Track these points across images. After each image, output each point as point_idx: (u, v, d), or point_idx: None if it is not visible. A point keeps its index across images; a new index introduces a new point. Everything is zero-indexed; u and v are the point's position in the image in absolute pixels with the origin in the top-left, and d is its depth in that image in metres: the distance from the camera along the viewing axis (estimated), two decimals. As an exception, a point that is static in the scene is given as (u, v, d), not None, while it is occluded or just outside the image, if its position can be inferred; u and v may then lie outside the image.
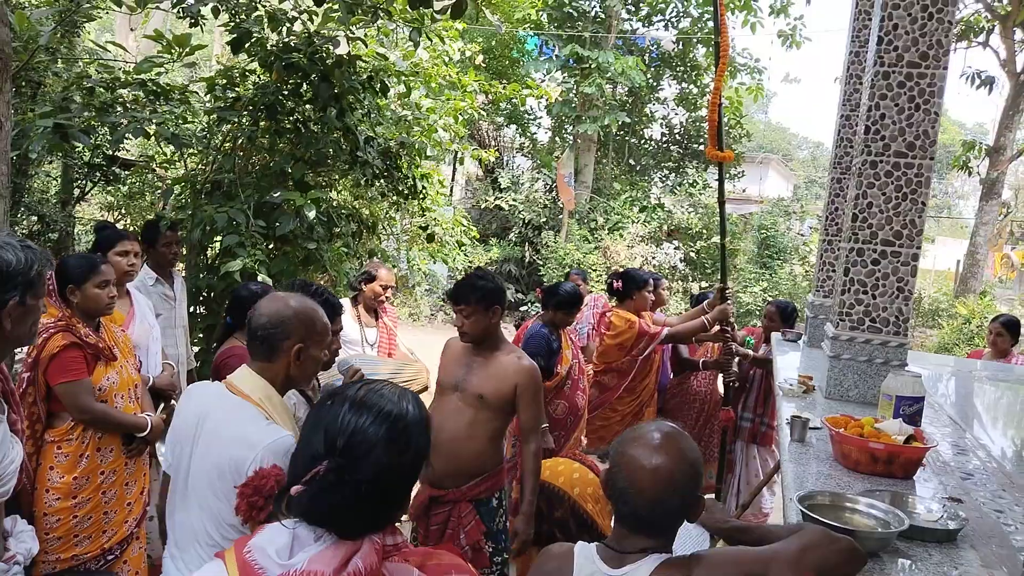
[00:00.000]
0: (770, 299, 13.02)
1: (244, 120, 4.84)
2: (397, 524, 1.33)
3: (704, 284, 13.97)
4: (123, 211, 7.08)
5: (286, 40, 4.81)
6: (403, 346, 4.86)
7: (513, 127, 17.52)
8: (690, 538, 1.88)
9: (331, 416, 1.28)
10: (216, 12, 4.67)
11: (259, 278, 4.36)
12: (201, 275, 4.78)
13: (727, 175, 16.03)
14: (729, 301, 4.82)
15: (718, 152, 4.60)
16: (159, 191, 5.93)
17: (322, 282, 5.46)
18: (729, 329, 4.92)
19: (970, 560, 1.74)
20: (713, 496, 5.27)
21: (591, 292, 6.05)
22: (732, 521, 1.82)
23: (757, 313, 12.68)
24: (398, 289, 7.97)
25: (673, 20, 15.93)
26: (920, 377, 2.66)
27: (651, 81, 16.05)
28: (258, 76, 5.04)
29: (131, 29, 13.50)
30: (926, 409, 2.93)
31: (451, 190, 16.56)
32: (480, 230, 15.66)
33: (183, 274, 4.78)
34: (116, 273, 3.49)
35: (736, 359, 5.06)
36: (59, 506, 2.85)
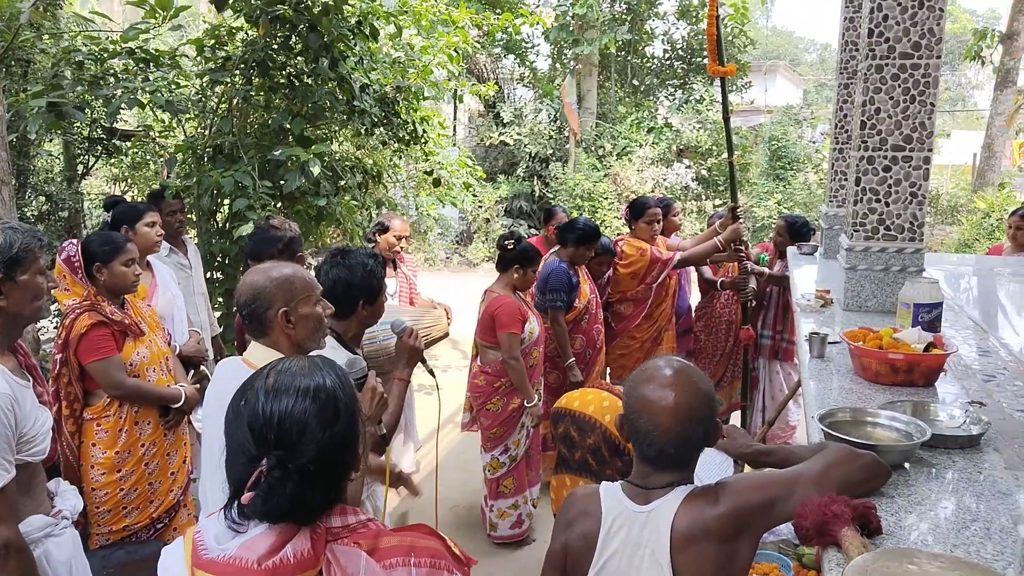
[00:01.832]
0: (785, 210, 12.93)
1: (237, 79, 4.78)
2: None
3: (718, 202, 13.82)
4: (129, 182, 7.07)
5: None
6: (424, 294, 4.89)
7: (511, 57, 17.17)
8: (714, 465, 1.90)
9: (251, 413, 1.24)
10: (196, -30, 4.57)
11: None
12: (214, 240, 4.80)
13: (732, 88, 15.67)
14: (741, 220, 4.79)
15: (719, 67, 4.51)
16: (162, 159, 5.91)
17: (336, 236, 5.47)
18: (743, 248, 4.89)
19: (994, 463, 1.76)
20: (740, 412, 5.34)
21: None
22: (755, 445, 1.85)
23: (773, 226, 12.57)
24: (411, 236, 7.96)
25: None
26: (937, 283, 2.64)
27: (649, -5, 15.60)
28: (246, 33, 4.95)
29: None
30: (946, 313, 2.93)
31: (454, 129, 16.36)
32: (487, 167, 15.53)
33: (196, 241, 4.80)
34: (146, 244, 3.60)
35: (752, 277, 5.04)
36: (105, 480, 2.94)
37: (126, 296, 3.14)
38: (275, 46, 4.78)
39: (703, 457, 1.68)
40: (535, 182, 14.56)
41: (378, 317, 2.75)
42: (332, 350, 2.51)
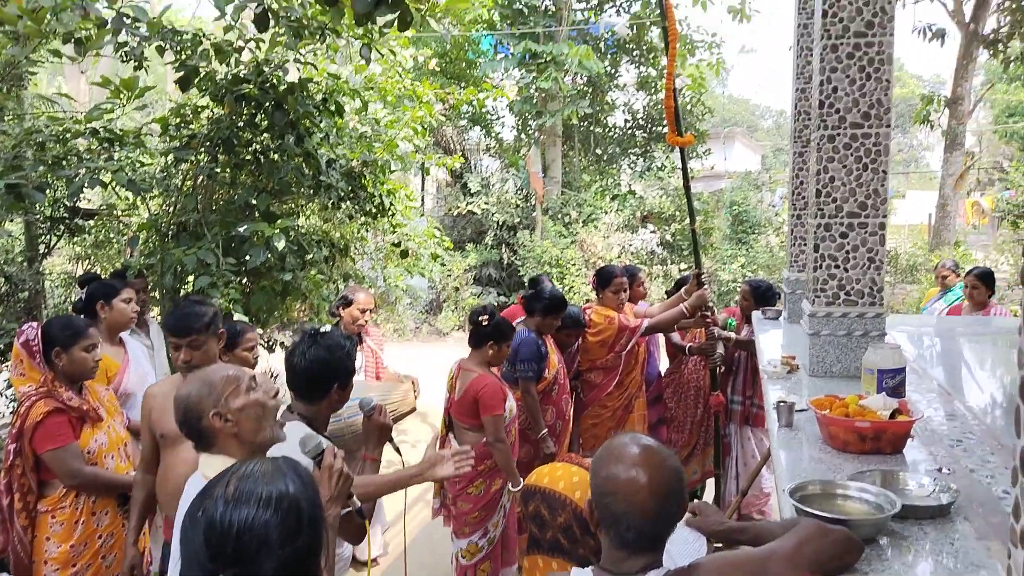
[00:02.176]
0: (749, 274, 13.13)
1: (202, 157, 4.79)
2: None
3: (683, 267, 14.00)
4: (92, 260, 6.98)
5: (235, 72, 4.76)
6: (391, 367, 4.84)
7: (477, 128, 17.49)
8: (687, 544, 1.87)
9: (208, 523, 1.17)
10: (161, 51, 4.61)
11: (236, 317, 4.32)
12: (177, 319, 4.71)
13: (692, 155, 16.04)
14: (705, 286, 4.84)
15: (678, 138, 4.61)
16: (126, 238, 5.85)
17: (303, 311, 5.42)
18: (709, 313, 4.94)
19: (965, 533, 1.75)
20: (714, 480, 5.29)
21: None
22: (727, 523, 1.82)
23: (737, 289, 12.74)
24: (379, 307, 7.92)
25: (625, 6, 15.94)
26: (899, 348, 2.67)
27: (609, 68, 16.05)
28: (212, 111, 4.99)
29: (81, 72, 13.34)
30: (910, 376, 2.95)
31: (422, 199, 16.51)
32: (455, 236, 15.63)
33: (159, 320, 4.73)
34: (122, 320, 3.66)
35: (720, 342, 5.08)
36: (59, 577, 2.81)
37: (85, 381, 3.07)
38: (241, 123, 4.82)
39: (676, 535, 1.65)
40: (503, 250, 14.67)
41: (346, 400, 2.71)
42: (311, 437, 2.45)
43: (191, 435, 2.01)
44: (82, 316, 3.86)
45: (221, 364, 2.21)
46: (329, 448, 2.11)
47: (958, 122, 14.50)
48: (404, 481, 2.64)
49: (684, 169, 4.88)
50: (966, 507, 1.87)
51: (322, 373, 2.53)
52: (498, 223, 14.76)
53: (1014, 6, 13.29)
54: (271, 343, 5.70)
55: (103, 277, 4.32)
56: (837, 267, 3.23)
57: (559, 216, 14.60)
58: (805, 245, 4.64)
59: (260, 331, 5.23)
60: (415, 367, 10.51)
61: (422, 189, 16.24)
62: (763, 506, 5.36)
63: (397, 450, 2.95)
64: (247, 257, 4.54)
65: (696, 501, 1.98)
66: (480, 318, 3.90)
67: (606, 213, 14.43)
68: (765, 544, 1.63)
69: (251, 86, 4.53)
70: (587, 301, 7.57)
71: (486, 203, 14.92)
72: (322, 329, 2.85)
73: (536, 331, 4.43)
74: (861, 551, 1.58)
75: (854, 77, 3.09)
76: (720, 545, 1.84)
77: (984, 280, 5.61)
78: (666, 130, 5.21)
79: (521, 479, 3.86)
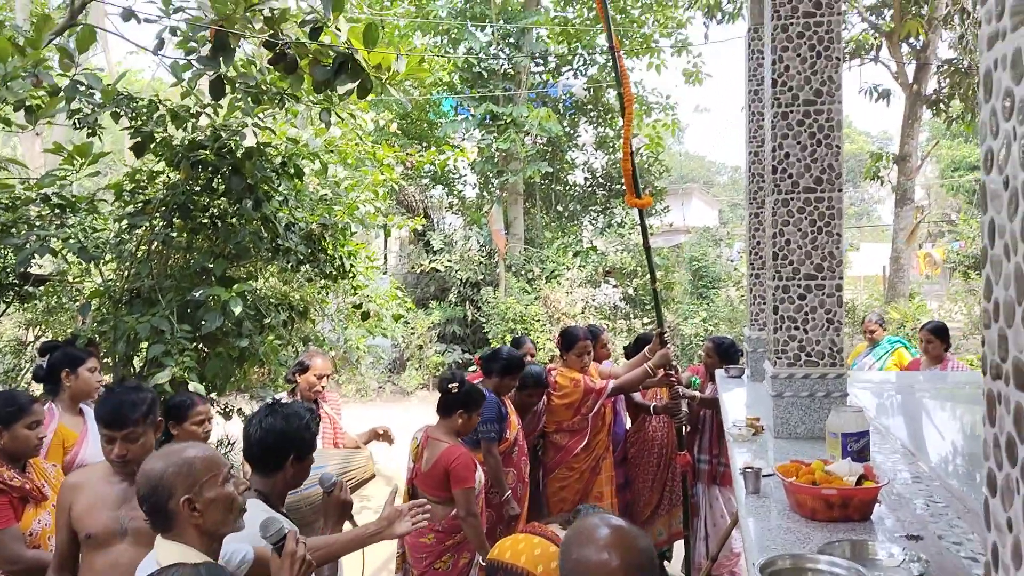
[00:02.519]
0: (711, 328, 13.24)
1: (157, 222, 4.71)
2: None
3: (646, 320, 14.09)
4: (43, 327, 6.79)
5: (192, 137, 4.73)
6: (349, 433, 4.72)
7: (440, 187, 17.62)
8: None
9: None
10: (116, 117, 4.57)
11: (191, 386, 4.20)
12: (130, 387, 4.57)
13: (652, 212, 16.27)
14: (668, 345, 4.84)
15: (636, 199, 4.67)
16: (78, 304, 5.70)
17: (261, 377, 5.30)
18: (673, 372, 4.93)
19: (936, 606, 1.72)
20: (683, 542, 5.22)
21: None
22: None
23: (700, 343, 12.82)
24: (341, 368, 7.79)
25: (582, 69, 16.34)
26: (862, 411, 2.67)
27: (568, 129, 16.36)
28: (167, 176, 4.93)
29: (36, 134, 13.18)
30: (874, 436, 2.95)
31: (384, 258, 16.47)
32: (419, 294, 15.57)
33: (103, 385, 4.58)
34: (87, 389, 3.56)
35: (684, 402, 5.07)
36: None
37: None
38: (197, 188, 4.76)
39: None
40: (467, 307, 14.64)
41: (303, 478, 2.62)
42: (266, 512, 2.37)
43: (150, 512, 1.90)
44: (43, 384, 3.75)
45: (199, 444, 2.09)
46: (291, 534, 2.03)
47: (907, 178, 14.97)
48: (362, 540, 2.55)
49: (643, 229, 4.92)
50: (936, 578, 1.84)
51: (277, 443, 2.48)
52: (461, 280, 14.76)
53: (952, 69, 13.89)
54: (228, 410, 5.55)
55: (64, 344, 4.19)
56: (797, 328, 3.25)
57: (522, 272, 14.66)
58: (764, 304, 4.69)
59: (215, 398, 5.10)
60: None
61: (384, 247, 16.21)
62: (733, 567, 5.29)
63: (355, 526, 2.86)
64: (203, 323, 4.44)
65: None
66: (450, 386, 3.78)
67: (568, 269, 14.53)
68: None
69: (207, 152, 4.49)
70: (552, 359, 7.52)
71: (449, 260, 14.94)
72: (282, 399, 2.78)
73: (495, 392, 4.37)
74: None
75: (805, 143, 3.16)
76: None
77: (938, 334, 5.72)
78: (625, 188, 5.28)
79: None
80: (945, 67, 14.14)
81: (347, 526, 2.86)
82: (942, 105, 14.49)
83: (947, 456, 3.11)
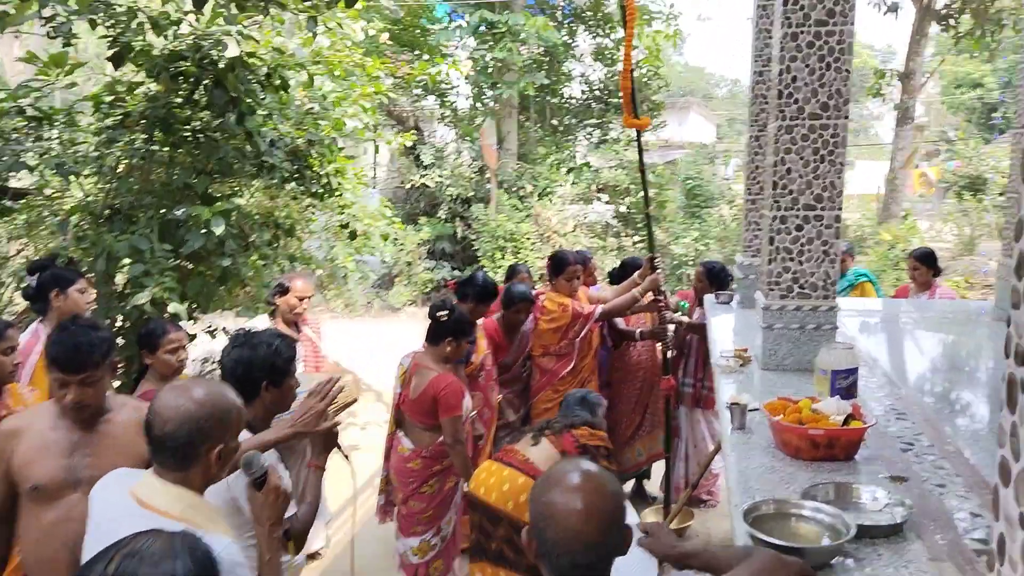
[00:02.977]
0: (702, 248, 13.20)
1: (137, 136, 4.55)
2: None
3: (637, 239, 14.01)
4: (25, 241, 6.65)
5: (172, 47, 4.51)
6: (331, 357, 4.70)
7: (431, 97, 17.16)
8: (638, 563, 1.82)
9: None
10: (93, 25, 4.34)
11: (171, 307, 4.14)
12: (113, 306, 4.51)
13: (650, 129, 15.95)
14: (659, 270, 4.79)
15: (635, 120, 4.52)
16: (58, 219, 5.57)
17: (242, 298, 5.23)
18: (662, 298, 4.90)
19: (918, 553, 1.72)
20: (664, 463, 5.30)
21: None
22: (680, 546, 1.76)
23: (690, 264, 12.80)
24: (328, 286, 7.73)
25: (581, -26, 15.71)
26: (852, 348, 2.64)
27: (566, 39, 15.85)
28: (147, 87, 4.73)
29: (15, 36, 12.68)
30: (861, 369, 2.94)
31: (374, 171, 16.20)
32: (408, 209, 15.39)
33: (94, 307, 4.52)
34: (76, 311, 3.53)
35: (672, 326, 5.05)
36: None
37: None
38: (178, 101, 4.58)
39: (626, 558, 1.59)
40: (457, 223, 14.49)
41: (286, 405, 2.59)
42: (244, 440, 2.36)
43: (172, 449, 1.74)
44: (31, 303, 3.68)
45: (227, 387, 1.96)
46: (271, 468, 2.06)
47: (909, 96, 14.68)
48: (283, 438, 2.42)
49: (640, 152, 4.79)
50: (919, 523, 1.84)
51: (247, 373, 2.45)
52: (452, 196, 14.55)
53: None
54: (212, 329, 5.51)
55: (53, 263, 4.09)
56: (792, 260, 3.19)
57: (514, 189, 14.46)
58: (759, 230, 4.61)
59: (199, 317, 5.05)
60: (366, 343, 10.39)
61: (374, 162, 15.91)
62: (711, 486, 5.40)
63: (346, 457, 2.86)
64: (185, 241, 4.35)
65: (649, 521, 1.93)
66: (439, 313, 3.71)
67: (561, 186, 14.33)
68: (718, 571, 1.58)
69: (188, 62, 4.29)
70: (540, 278, 7.48)
71: (440, 176, 14.69)
72: (253, 327, 2.74)
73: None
74: (815, 582, 1.54)
75: (814, 67, 3.02)
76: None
77: (925, 261, 5.61)
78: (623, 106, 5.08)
79: None
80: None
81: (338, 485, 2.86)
82: (951, 20, 14.06)
83: (931, 388, 3.11)
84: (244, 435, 2.36)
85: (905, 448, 2.36)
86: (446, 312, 3.72)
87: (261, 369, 2.46)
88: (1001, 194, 15.52)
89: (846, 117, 3.07)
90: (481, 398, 4.38)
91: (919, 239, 13.54)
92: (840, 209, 3.14)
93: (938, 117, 34.14)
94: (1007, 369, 0.79)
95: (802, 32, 3.03)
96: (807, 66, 3.04)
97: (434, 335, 3.76)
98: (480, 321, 4.40)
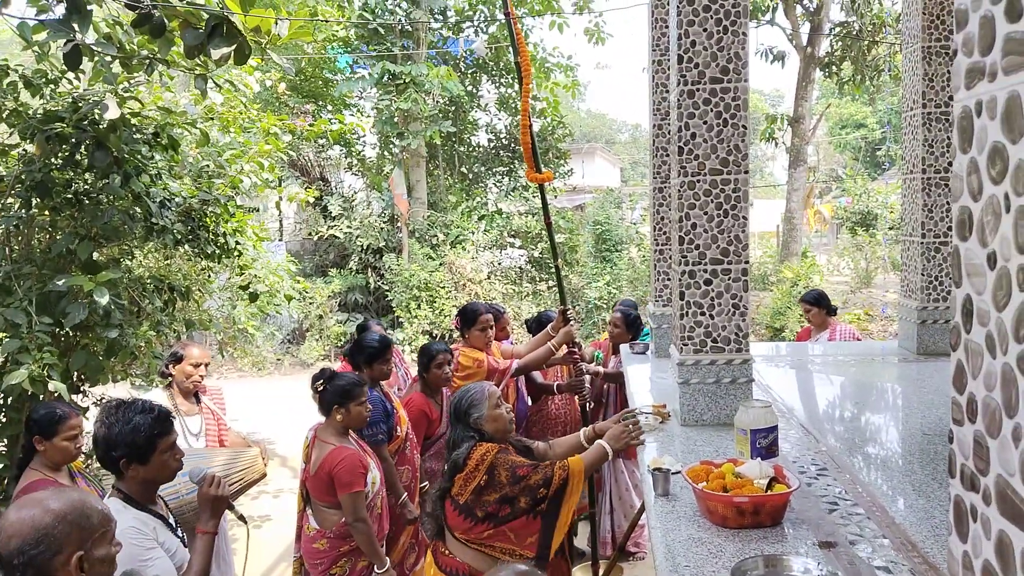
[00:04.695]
0: (615, 291, 13.33)
1: (13, 202, 4.22)
2: None
3: (551, 284, 14.05)
4: None
5: (48, 107, 4.23)
6: (235, 426, 4.42)
7: (337, 147, 16.94)
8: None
9: None
10: (-40, 83, 4.03)
11: (51, 384, 3.81)
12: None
13: (556, 175, 16.12)
14: (572, 322, 4.73)
15: (537, 174, 4.48)
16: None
17: (134, 373, 4.89)
18: (576, 349, 4.83)
19: (853, 633, 1.64)
20: (589, 519, 5.18)
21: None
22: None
23: (605, 307, 12.90)
24: (232, 345, 7.36)
25: (483, 26, 15.91)
26: (770, 406, 2.60)
27: (470, 88, 15.97)
28: (23, 150, 4.41)
29: None
30: (780, 421, 2.91)
31: (280, 224, 15.79)
32: (317, 261, 15.04)
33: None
34: None
35: (588, 378, 4.99)
36: None
37: None
38: (58, 164, 4.29)
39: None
40: (369, 274, 14.22)
41: (163, 476, 2.46)
42: (115, 512, 2.17)
43: (22, 567, 1.57)
44: None
45: (80, 491, 1.82)
46: (207, 476, 2.46)
47: (800, 140, 15.37)
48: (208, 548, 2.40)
49: (544, 206, 4.75)
50: (851, 597, 1.77)
51: (106, 452, 2.38)
52: (363, 247, 14.29)
53: (844, 32, 14.23)
54: (104, 401, 5.12)
55: None
56: (703, 314, 3.16)
57: (426, 238, 14.32)
58: (668, 280, 4.62)
59: (86, 391, 4.69)
60: (279, 407, 9.95)
61: (278, 215, 15.50)
62: (639, 538, 5.31)
63: (241, 518, 2.73)
64: (67, 313, 4.02)
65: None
66: (315, 384, 3.54)
67: (473, 233, 14.29)
68: None
69: (65, 124, 4.02)
70: (453, 341, 7.32)
71: (349, 227, 14.42)
72: (132, 400, 2.59)
73: (372, 385, 4.04)
74: None
75: (711, 123, 3.03)
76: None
77: (816, 303, 5.69)
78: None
79: (387, 560, 3.55)
80: (838, 30, 14.48)
81: (235, 526, 2.70)
82: (834, 67, 14.87)
83: (850, 438, 3.10)
84: (117, 504, 2.34)
85: (830, 508, 2.31)
86: (321, 381, 3.54)
87: (119, 447, 2.37)
88: (891, 228, 16.37)
89: (746, 172, 3.08)
90: (411, 471, 4.17)
91: (819, 274, 14.06)
92: (747, 262, 3.14)
93: (827, 156, 36.03)
94: (952, 490, 0.71)
95: (698, 89, 3.04)
96: (705, 123, 3.05)
97: (322, 406, 3.56)
98: (399, 392, 4.23)
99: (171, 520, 2.52)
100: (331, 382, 3.51)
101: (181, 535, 2.50)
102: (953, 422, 0.72)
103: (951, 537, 0.73)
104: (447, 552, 2.90)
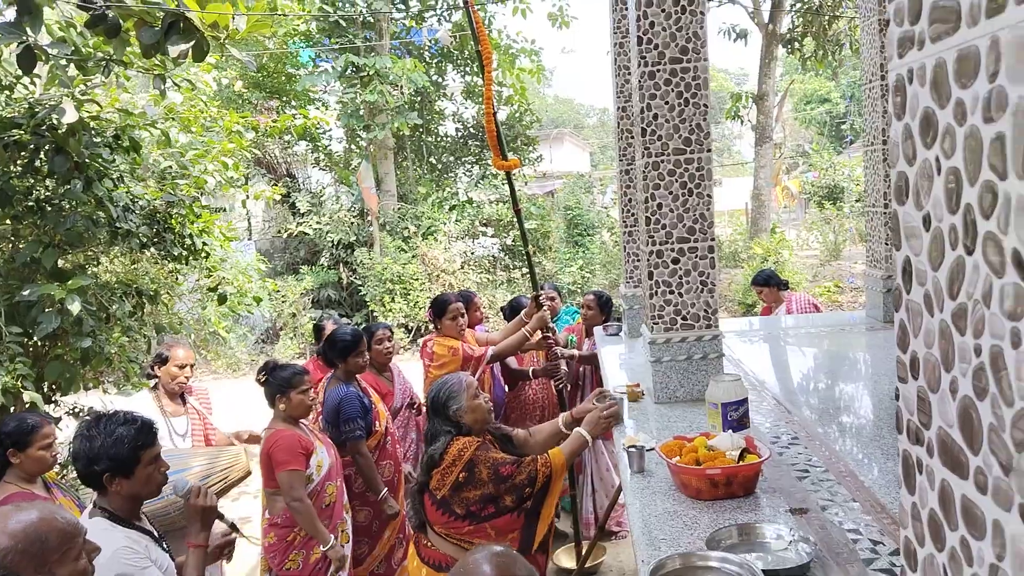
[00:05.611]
0: (588, 275, 13.40)
1: (-30, 211, 4.15)
2: None
3: (526, 271, 14.08)
4: None
5: (4, 114, 4.16)
6: (221, 429, 4.39)
7: (303, 143, 16.80)
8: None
9: None
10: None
11: (26, 395, 3.77)
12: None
13: (525, 162, 16.12)
14: (545, 308, 4.75)
15: (503, 162, 4.49)
16: None
17: (107, 380, 4.85)
18: (550, 335, 4.86)
19: (826, 594, 1.68)
20: (570, 500, 5.23)
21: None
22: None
23: (579, 291, 12.95)
24: (207, 346, 7.30)
25: (446, 15, 15.83)
26: (739, 379, 2.65)
27: (436, 78, 15.89)
28: (-22, 157, 4.33)
29: None
30: (751, 394, 2.96)
31: (248, 223, 15.64)
32: (287, 259, 14.92)
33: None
34: None
35: (563, 361, 5.02)
36: None
37: None
38: (16, 171, 4.22)
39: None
40: (341, 270, 14.14)
41: (148, 490, 2.40)
42: (103, 531, 2.17)
43: None
44: None
45: (45, 508, 1.76)
46: (194, 488, 2.43)
47: (766, 117, 15.49)
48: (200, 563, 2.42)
49: (512, 194, 4.76)
50: (824, 560, 1.81)
51: (87, 467, 2.31)
52: (333, 242, 14.21)
53: (804, 8, 14.35)
54: (77, 410, 5.07)
55: None
56: (672, 292, 3.20)
57: (397, 231, 14.27)
58: (639, 262, 4.66)
59: (60, 400, 4.64)
60: (255, 408, 9.88)
61: (246, 214, 15.35)
62: (620, 517, 5.36)
63: (232, 527, 2.70)
64: (39, 323, 3.97)
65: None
66: (259, 376, 3.66)
67: (445, 224, 14.26)
68: None
69: (22, 131, 3.96)
70: (427, 333, 7.33)
71: (318, 222, 14.32)
72: (108, 411, 2.55)
73: (348, 380, 4.05)
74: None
75: (673, 103, 3.06)
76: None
77: (766, 283, 5.46)
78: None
79: (332, 537, 3.52)
80: (798, 5, 14.58)
81: (221, 527, 2.67)
82: (796, 44, 14.99)
83: (820, 407, 3.16)
84: (103, 523, 2.28)
85: (801, 476, 2.36)
86: (264, 373, 3.63)
87: (102, 461, 2.30)
88: (858, 200, 16.58)
89: (709, 150, 3.12)
90: (392, 465, 4.18)
91: (788, 249, 14.22)
92: (713, 240, 3.19)
93: (793, 132, 36.34)
94: (900, 446, 0.74)
95: (658, 71, 3.07)
96: (667, 103, 3.08)
97: (267, 398, 3.63)
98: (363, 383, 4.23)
99: (156, 534, 2.49)
100: (273, 373, 3.57)
101: (167, 548, 2.47)
102: (899, 380, 0.74)
103: (901, 490, 0.76)
104: (429, 544, 2.91)
